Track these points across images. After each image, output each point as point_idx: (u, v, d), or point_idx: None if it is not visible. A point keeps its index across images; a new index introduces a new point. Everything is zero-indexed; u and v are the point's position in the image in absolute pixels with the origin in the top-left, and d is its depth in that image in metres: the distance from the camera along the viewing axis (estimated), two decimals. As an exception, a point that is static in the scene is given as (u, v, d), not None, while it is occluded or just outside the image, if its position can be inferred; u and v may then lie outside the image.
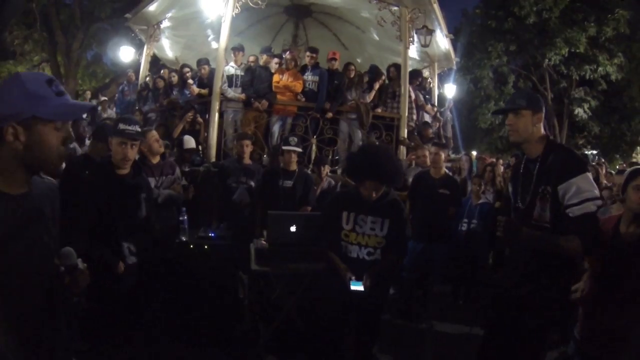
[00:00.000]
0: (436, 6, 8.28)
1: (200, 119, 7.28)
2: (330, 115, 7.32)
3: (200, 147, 7.17)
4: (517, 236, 2.54)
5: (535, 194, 2.60)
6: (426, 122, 8.39)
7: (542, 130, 2.69)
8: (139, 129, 3.26)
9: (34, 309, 1.52)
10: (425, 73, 10.24)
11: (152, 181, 4.23)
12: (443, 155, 5.60)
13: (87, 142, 6.04)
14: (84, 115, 9.88)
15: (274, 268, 4.17)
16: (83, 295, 1.88)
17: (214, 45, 8.53)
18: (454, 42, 10.70)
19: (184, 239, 4.61)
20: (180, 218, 4.63)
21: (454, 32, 11.22)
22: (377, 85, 7.87)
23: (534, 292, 2.58)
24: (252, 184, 5.33)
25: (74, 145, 5.50)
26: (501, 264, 5.37)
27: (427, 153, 6.34)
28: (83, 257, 1.78)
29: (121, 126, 3.14)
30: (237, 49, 7.40)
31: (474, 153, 17.22)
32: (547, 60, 18.60)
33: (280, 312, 4.38)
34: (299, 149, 5.45)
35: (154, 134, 4.61)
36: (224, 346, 4.21)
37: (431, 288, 5.56)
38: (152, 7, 8.94)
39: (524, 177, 2.72)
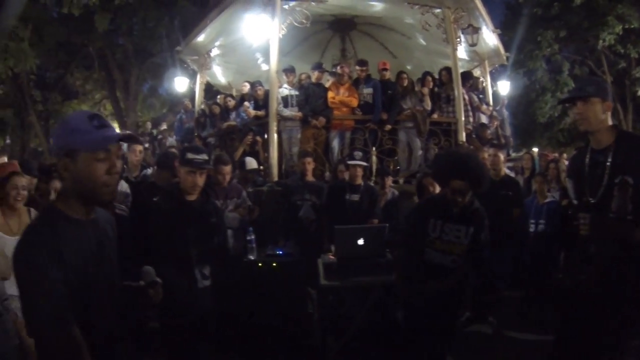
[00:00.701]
0: (479, 2, 8.15)
1: (259, 139, 7.41)
2: (388, 127, 7.34)
3: (261, 168, 7.33)
4: (607, 230, 2.46)
5: (610, 186, 2.46)
6: (483, 124, 8.24)
7: (610, 120, 2.60)
8: (207, 157, 3.35)
9: (106, 322, 1.67)
10: (477, 72, 10.06)
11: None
12: (502, 156, 5.47)
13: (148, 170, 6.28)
14: (146, 145, 10.44)
15: (343, 282, 4.20)
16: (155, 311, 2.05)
17: (264, 67, 8.74)
18: (501, 37, 10.44)
19: (252, 257, 4.68)
20: (248, 238, 4.72)
21: (500, 27, 10.95)
22: (425, 90, 7.84)
23: (617, 289, 2.47)
24: (316, 200, 5.40)
25: (149, 171, 5.70)
26: (572, 264, 5.15)
27: (486, 155, 6.26)
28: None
29: (189, 156, 3.21)
30: (289, 71, 7.55)
31: (535, 150, 16.62)
32: (601, 41, 17.40)
33: (349, 326, 4.39)
34: (365, 163, 5.51)
35: (226, 169, 4.60)
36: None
37: (501, 293, 5.40)
38: (200, 38, 9.35)
39: (591, 169, 2.61)
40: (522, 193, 5.65)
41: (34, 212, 3.73)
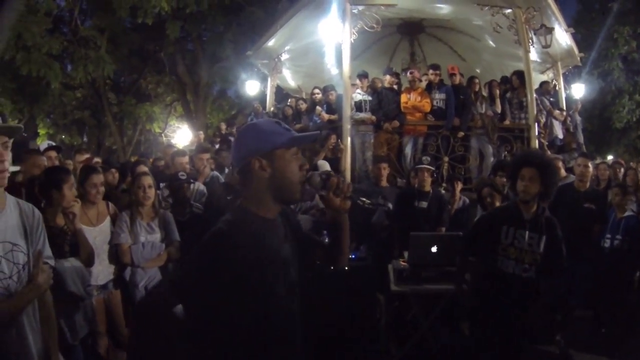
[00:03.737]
0: (551, 0, 7.84)
1: (342, 146, 7.22)
2: (461, 134, 7.28)
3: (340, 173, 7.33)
4: None
5: None
6: (570, 132, 8.15)
7: None
8: None
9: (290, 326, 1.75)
10: (549, 75, 9.74)
11: (290, 207, 4.46)
12: (591, 167, 5.24)
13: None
14: (217, 146, 10.81)
15: (413, 289, 4.24)
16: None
17: (334, 71, 8.86)
18: (574, 36, 9.96)
19: (325, 260, 4.78)
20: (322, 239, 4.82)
21: (573, 24, 10.44)
22: (497, 92, 7.74)
23: None
24: (390, 206, 5.46)
25: (217, 173, 5.90)
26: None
27: (559, 164, 6.05)
28: None
29: None
30: (362, 76, 7.62)
31: (610, 158, 15.73)
32: (683, 36, 16.39)
33: (414, 333, 4.40)
34: (432, 167, 5.53)
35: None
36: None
37: (572, 312, 5.19)
38: (271, 43, 9.60)
39: None
40: (606, 207, 5.34)
41: (112, 205, 4.02)
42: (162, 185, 4.99)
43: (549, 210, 5.20)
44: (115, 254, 3.82)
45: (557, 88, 9.47)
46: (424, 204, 5.28)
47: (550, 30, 7.91)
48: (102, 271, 3.76)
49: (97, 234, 3.74)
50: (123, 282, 3.87)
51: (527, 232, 3.26)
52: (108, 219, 3.88)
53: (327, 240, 4.62)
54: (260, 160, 1.66)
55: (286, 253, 1.74)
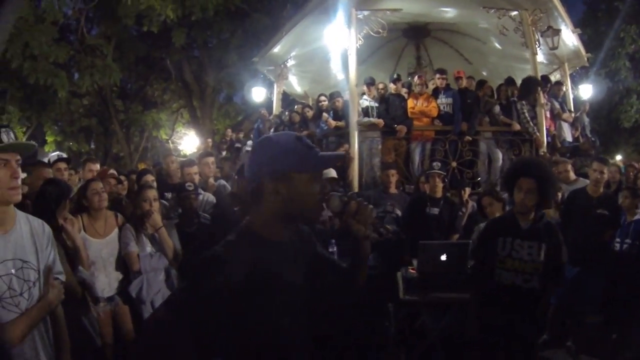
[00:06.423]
0: (557, 2, 7.80)
1: (352, 155, 7.12)
2: (468, 138, 7.20)
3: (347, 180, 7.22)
4: None
5: None
6: (587, 137, 8.16)
7: None
8: None
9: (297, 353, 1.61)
10: (556, 76, 9.68)
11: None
12: (607, 173, 5.12)
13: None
14: (223, 153, 10.85)
15: (423, 297, 4.17)
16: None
17: (340, 76, 8.85)
18: (580, 36, 9.86)
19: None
20: (330, 249, 4.79)
21: (579, 25, 10.31)
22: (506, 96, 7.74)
23: None
24: (399, 213, 5.43)
25: (224, 182, 5.82)
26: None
27: (569, 167, 5.98)
28: None
29: None
30: (370, 83, 7.62)
31: (618, 158, 15.56)
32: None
33: (423, 341, 4.35)
34: (443, 173, 5.49)
35: None
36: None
37: (584, 318, 5.09)
38: (276, 49, 9.61)
39: None
40: (619, 213, 5.15)
41: (120, 216, 4.01)
42: (169, 195, 4.97)
43: (561, 216, 5.22)
44: (124, 263, 3.81)
45: (564, 89, 9.38)
46: (436, 211, 5.21)
47: (557, 32, 7.86)
48: (109, 283, 3.74)
49: (104, 246, 3.74)
50: (130, 298, 3.80)
51: (525, 242, 3.19)
52: (116, 230, 3.87)
53: (334, 249, 4.63)
54: (275, 184, 1.50)
55: (294, 277, 1.57)
